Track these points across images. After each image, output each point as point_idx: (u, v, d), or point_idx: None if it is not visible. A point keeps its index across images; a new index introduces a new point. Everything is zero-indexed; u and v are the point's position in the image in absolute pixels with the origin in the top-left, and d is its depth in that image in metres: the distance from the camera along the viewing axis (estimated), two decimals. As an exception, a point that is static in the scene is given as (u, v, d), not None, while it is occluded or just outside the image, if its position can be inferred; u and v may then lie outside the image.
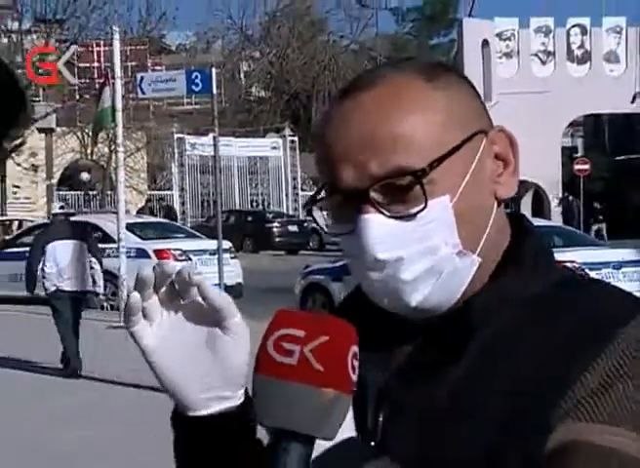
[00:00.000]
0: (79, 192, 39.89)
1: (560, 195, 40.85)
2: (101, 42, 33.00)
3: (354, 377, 1.04)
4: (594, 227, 38.55)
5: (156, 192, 40.91)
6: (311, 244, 35.74)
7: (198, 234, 22.11)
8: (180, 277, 1.15)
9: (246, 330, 1.18)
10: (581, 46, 42.20)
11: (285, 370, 1.02)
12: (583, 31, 42.27)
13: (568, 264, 11.23)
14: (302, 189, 41.69)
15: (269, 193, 43.65)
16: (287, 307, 1.10)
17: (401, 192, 1.20)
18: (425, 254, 1.21)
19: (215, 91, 17.21)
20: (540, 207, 39.96)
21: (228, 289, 17.17)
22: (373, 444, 1.23)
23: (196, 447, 1.22)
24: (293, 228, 36.12)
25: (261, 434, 1.15)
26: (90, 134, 33.36)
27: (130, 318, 1.17)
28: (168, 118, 41.17)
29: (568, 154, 44.95)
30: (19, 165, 33.48)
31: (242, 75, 54.57)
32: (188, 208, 39.85)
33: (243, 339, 1.17)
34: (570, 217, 37.94)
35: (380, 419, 1.24)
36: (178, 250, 19.36)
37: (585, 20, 42.60)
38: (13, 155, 32.30)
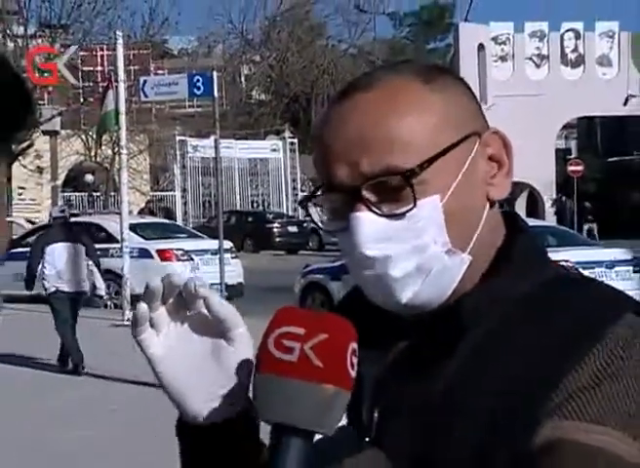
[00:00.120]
0: (83, 193, 39.89)
1: (554, 196, 40.86)
2: (105, 46, 33.00)
3: (353, 374, 1.05)
4: (585, 227, 38.53)
5: (158, 193, 40.90)
6: (311, 244, 35.74)
7: (200, 234, 22.09)
8: (187, 289, 1.15)
9: (250, 340, 1.18)
10: (575, 50, 42.22)
11: (285, 366, 1.03)
12: (577, 36, 42.29)
13: (562, 263, 11.21)
14: (302, 190, 41.65)
15: (269, 194, 43.64)
16: (287, 306, 1.10)
17: (392, 191, 1.20)
18: (414, 252, 1.21)
19: (216, 94, 17.20)
20: (535, 207, 39.98)
21: (229, 288, 17.16)
22: (367, 439, 1.24)
23: (202, 454, 1.22)
24: (292, 229, 36.12)
25: (264, 433, 1.16)
26: (94, 136, 33.45)
27: (137, 328, 1.17)
28: (170, 121, 41.14)
29: (562, 156, 44.97)
30: (24, 167, 33.44)
31: (243, 78, 54.56)
32: (190, 208, 39.83)
33: (247, 350, 1.17)
34: (563, 218, 37.94)
35: (376, 415, 1.25)
36: (180, 249, 19.35)
37: (579, 25, 42.62)
38: (19, 157, 32.28)
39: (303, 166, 41.22)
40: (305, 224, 34.72)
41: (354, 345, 1.05)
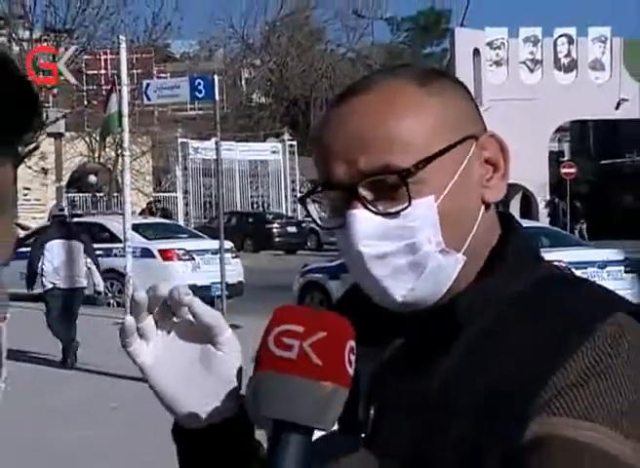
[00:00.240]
0: (87, 194, 39.88)
1: (548, 197, 40.85)
2: (109, 50, 32.96)
3: (351, 371, 1.05)
4: (577, 227, 38.52)
5: (160, 194, 40.88)
6: (309, 244, 35.75)
7: (201, 234, 22.08)
8: (172, 298, 1.16)
9: (237, 344, 1.19)
10: (568, 55, 42.21)
11: (285, 364, 1.03)
12: (570, 41, 42.28)
13: (555, 263, 11.22)
14: (301, 192, 41.61)
15: (269, 195, 43.64)
16: (286, 304, 1.10)
17: (389, 190, 1.20)
18: (409, 251, 1.21)
19: (217, 97, 17.17)
20: (529, 209, 39.97)
21: (230, 287, 17.16)
22: (363, 435, 1.24)
23: (198, 456, 1.23)
24: (292, 229, 36.11)
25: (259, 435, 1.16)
26: (97, 138, 33.42)
27: (125, 340, 1.18)
28: (172, 123, 41.11)
29: (555, 158, 44.95)
30: (29, 168, 33.41)
31: (243, 82, 54.54)
32: (192, 209, 39.81)
33: (235, 354, 1.19)
34: (556, 219, 37.92)
35: (372, 412, 1.25)
36: (181, 249, 19.35)
37: (572, 30, 42.60)
38: (25, 159, 32.17)
39: (302, 168, 41.22)
40: (304, 225, 34.73)
41: (352, 343, 1.05)
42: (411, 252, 1.21)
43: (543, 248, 12.10)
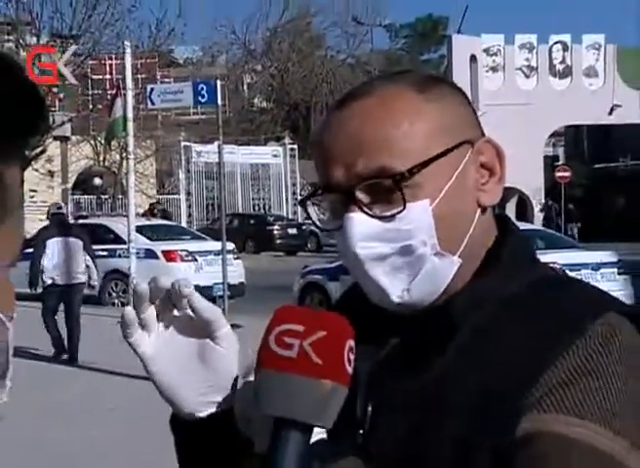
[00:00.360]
0: (92, 196, 39.85)
1: (543, 201, 40.84)
2: (114, 56, 32.89)
3: (350, 370, 1.05)
4: (570, 228, 38.49)
5: (164, 196, 40.87)
6: (309, 245, 35.73)
7: (203, 236, 22.07)
8: (173, 290, 1.17)
9: (235, 340, 1.20)
10: (563, 61, 42.22)
11: (285, 362, 1.03)
12: (565, 48, 42.29)
13: (550, 265, 11.23)
14: (301, 194, 41.63)
15: (270, 198, 43.62)
16: (286, 304, 1.10)
17: (385, 193, 1.21)
18: (404, 253, 1.22)
19: (219, 102, 17.18)
20: (524, 211, 39.97)
21: (232, 287, 17.16)
22: (361, 432, 1.24)
23: (195, 448, 1.24)
24: (292, 231, 36.09)
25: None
26: (102, 141, 33.43)
27: (126, 330, 1.19)
28: (175, 127, 41.08)
29: (550, 162, 44.98)
30: (36, 170, 33.39)
31: (245, 87, 54.53)
32: (194, 211, 39.78)
33: (233, 349, 1.19)
34: (550, 221, 37.89)
35: (369, 409, 1.25)
36: (184, 250, 19.35)
37: (567, 38, 42.62)
38: (31, 162, 32.14)
39: (303, 171, 41.22)
40: (304, 227, 34.72)
41: (351, 342, 1.06)
42: (406, 254, 1.22)
43: (539, 250, 12.09)
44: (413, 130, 1.22)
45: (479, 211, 1.27)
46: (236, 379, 1.20)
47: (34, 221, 13.99)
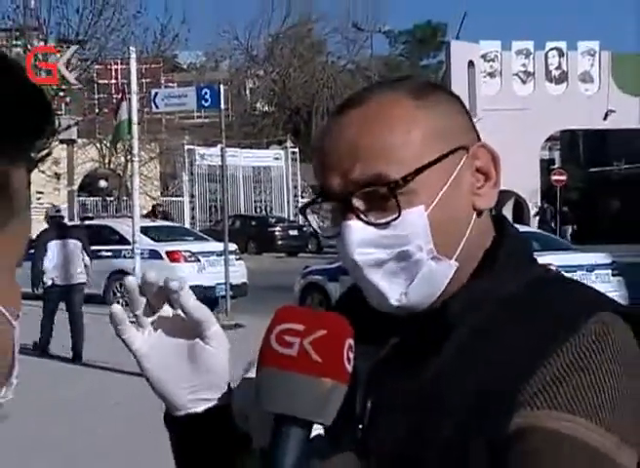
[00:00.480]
0: (97, 198, 39.86)
1: (539, 204, 40.81)
2: (119, 61, 32.90)
3: (349, 368, 1.05)
4: (565, 230, 38.45)
5: (168, 198, 40.86)
6: (310, 247, 35.71)
7: (206, 237, 22.06)
8: (167, 289, 1.17)
9: (224, 338, 1.20)
10: (559, 67, 42.21)
11: (286, 361, 1.03)
12: (560, 54, 42.28)
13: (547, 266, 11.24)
14: (302, 196, 41.65)
15: (272, 200, 43.61)
16: (287, 304, 1.11)
17: (380, 200, 1.21)
18: (401, 259, 1.22)
19: (222, 106, 17.20)
20: (520, 214, 39.94)
21: (234, 288, 17.17)
22: (360, 427, 1.25)
23: (189, 443, 1.24)
24: (293, 232, 36.08)
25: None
26: (108, 144, 33.44)
27: (117, 327, 1.19)
28: (179, 130, 41.09)
29: (546, 166, 44.96)
30: (42, 172, 33.38)
31: (247, 91, 54.53)
32: (197, 213, 39.78)
33: (222, 347, 1.20)
34: (544, 224, 37.86)
35: (369, 406, 1.25)
36: (187, 251, 19.34)
37: (562, 44, 42.60)
38: (38, 165, 32.12)
39: (304, 173, 41.21)
40: (305, 228, 34.68)
41: (350, 341, 1.06)
42: (403, 259, 1.22)
43: (534, 251, 12.11)
44: (408, 137, 1.22)
45: (475, 214, 1.27)
46: (228, 377, 1.21)
47: (40, 223, 13.99)
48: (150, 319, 1.21)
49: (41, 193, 34.59)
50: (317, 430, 1.09)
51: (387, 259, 1.22)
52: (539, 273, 1.30)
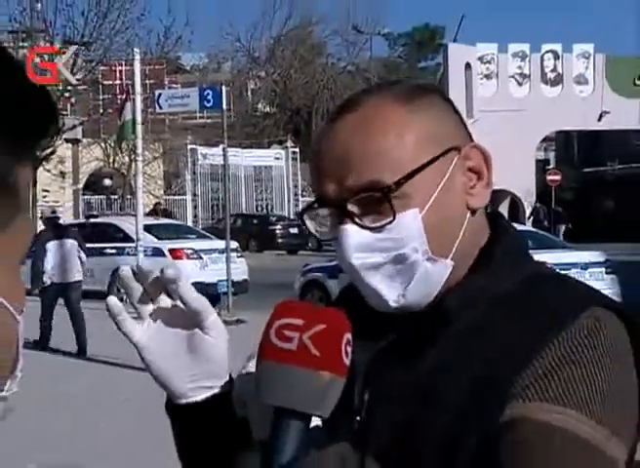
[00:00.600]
0: (102, 196, 39.86)
1: (534, 203, 40.80)
2: (123, 62, 32.85)
3: (347, 362, 1.05)
4: (558, 229, 38.44)
5: (171, 197, 40.87)
6: (310, 245, 35.66)
7: (208, 235, 22.06)
8: (164, 278, 1.18)
9: (223, 327, 1.21)
10: (554, 69, 42.18)
11: (286, 354, 1.03)
12: (556, 56, 42.25)
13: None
14: (302, 195, 41.63)
15: (273, 199, 43.60)
16: (287, 299, 1.11)
17: (375, 204, 1.21)
18: (397, 261, 1.22)
19: (224, 106, 17.18)
20: (516, 213, 39.93)
21: (235, 284, 17.17)
22: (358, 418, 1.25)
23: (188, 429, 1.25)
24: (293, 230, 36.04)
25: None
26: (112, 144, 33.41)
27: (116, 319, 1.20)
28: (182, 131, 41.08)
29: (541, 166, 44.92)
30: (48, 171, 33.41)
31: (249, 92, 54.50)
32: (200, 211, 39.77)
33: (221, 337, 1.20)
34: (538, 223, 37.85)
35: (366, 398, 1.25)
36: (190, 249, 19.33)
37: (558, 47, 42.57)
38: (43, 163, 32.23)
39: (304, 173, 41.18)
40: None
41: (348, 335, 1.06)
42: (400, 261, 1.22)
43: (530, 249, 12.12)
44: (399, 142, 1.22)
45: (469, 213, 1.27)
46: (227, 365, 1.21)
47: (45, 220, 14.11)
48: (149, 310, 1.21)
49: (47, 192, 34.61)
50: (315, 422, 1.10)
51: (384, 262, 1.22)
52: (534, 269, 1.30)
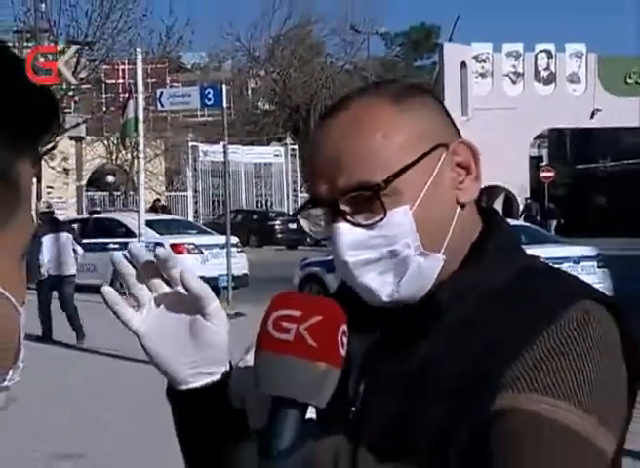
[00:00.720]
0: (105, 193, 39.83)
1: (526, 199, 40.84)
2: (126, 61, 32.83)
3: (343, 352, 1.05)
4: (550, 225, 38.46)
5: (172, 193, 40.87)
6: (309, 240, 35.54)
7: (209, 230, 22.07)
8: (162, 263, 1.18)
9: (224, 314, 1.20)
10: (547, 68, 42.20)
11: (283, 345, 1.03)
12: (549, 55, 42.27)
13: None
14: (301, 191, 41.62)
15: (272, 195, 43.60)
16: (285, 291, 1.11)
17: (366, 202, 1.21)
18: (390, 257, 1.22)
19: (225, 104, 17.19)
20: (510, 209, 39.96)
21: (236, 278, 17.20)
22: (353, 409, 1.25)
23: (188, 415, 1.25)
24: (292, 226, 35.92)
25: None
26: (115, 141, 33.42)
27: (113, 309, 1.19)
28: (183, 128, 41.04)
29: (535, 163, 44.94)
30: (52, 168, 33.42)
31: (249, 91, 54.47)
32: (201, 207, 39.76)
33: (222, 323, 1.20)
34: (530, 219, 37.88)
35: (361, 389, 1.26)
36: (191, 244, 19.35)
37: (551, 46, 42.59)
38: (47, 160, 32.23)
39: (303, 169, 41.18)
40: (304, 222, 34.56)
41: (344, 327, 1.06)
42: (392, 257, 1.22)
43: (523, 244, 12.13)
44: (388, 142, 1.22)
45: (459, 208, 1.27)
46: (227, 352, 1.21)
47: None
48: (148, 296, 1.21)
49: (51, 188, 34.62)
50: (312, 413, 1.10)
51: (377, 259, 1.22)
52: (527, 263, 1.30)
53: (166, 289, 1.21)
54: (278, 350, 1.04)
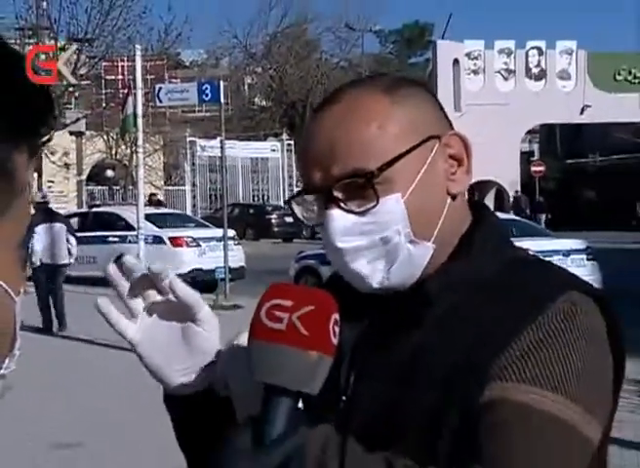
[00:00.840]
0: (105, 187, 39.80)
1: (519, 193, 40.87)
2: (125, 58, 32.75)
3: (335, 341, 1.05)
4: (539, 218, 38.47)
5: (171, 187, 40.85)
6: (304, 233, 35.64)
7: (207, 224, 22.06)
8: (154, 275, 1.17)
9: (215, 320, 1.20)
10: (538, 65, 42.19)
11: (275, 334, 1.03)
12: (540, 52, 42.26)
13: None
14: (297, 186, 41.58)
15: (269, 189, 43.60)
16: (278, 282, 1.11)
17: (360, 190, 1.21)
18: (381, 244, 1.22)
19: (222, 100, 17.16)
20: (502, 203, 39.98)
21: (233, 271, 17.19)
22: (344, 398, 1.25)
23: (187, 419, 1.25)
24: (289, 219, 35.93)
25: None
26: (114, 136, 33.39)
27: (108, 319, 1.19)
28: (182, 124, 40.99)
29: (526, 158, 44.98)
30: (53, 163, 33.38)
31: (246, 87, 54.43)
32: (199, 201, 39.76)
33: (214, 329, 1.20)
34: (519, 212, 37.91)
35: (352, 378, 1.25)
36: (189, 237, 19.35)
37: (542, 43, 42.57)
38: (48, 155, 32.21)
39: (298, 163, 41.13)
40: (300, 216, 34.53)
41: (336, 316, 1.06)
42: (383, 244, 1.22)
43: (513, 237, 12.13)
44: (381, 132, 1.22)
45: (449, 199, 1.27)
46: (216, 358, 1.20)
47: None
48: (140, 305, 1.20)
49: (52, 182, 34.55)
50: (299, 403, 1.10)
51: (368, 245, 1.22)
52: (516, 255, 1.30)
53: (158, 297, 1.20)
54: (271, 339, 1.04)
